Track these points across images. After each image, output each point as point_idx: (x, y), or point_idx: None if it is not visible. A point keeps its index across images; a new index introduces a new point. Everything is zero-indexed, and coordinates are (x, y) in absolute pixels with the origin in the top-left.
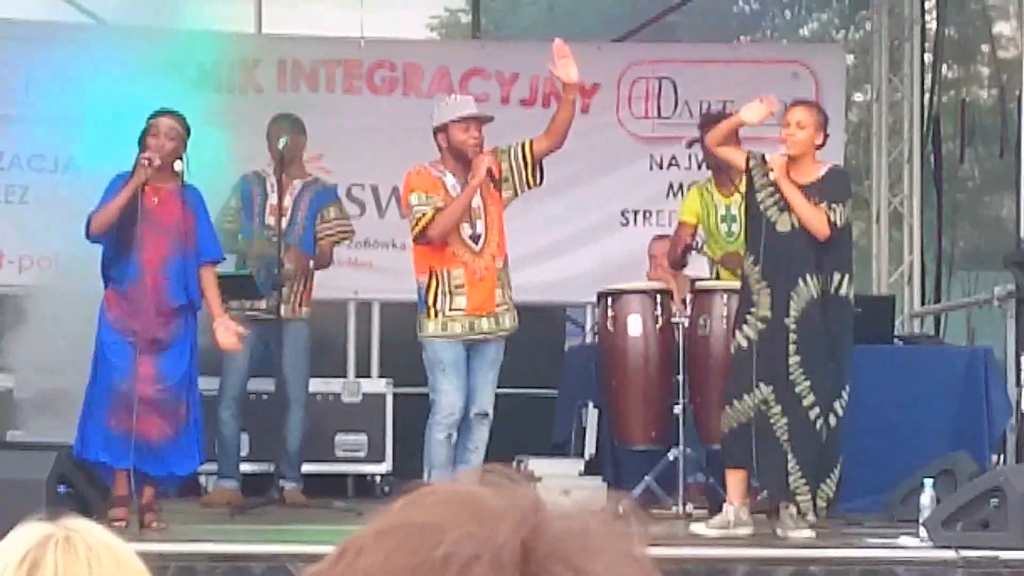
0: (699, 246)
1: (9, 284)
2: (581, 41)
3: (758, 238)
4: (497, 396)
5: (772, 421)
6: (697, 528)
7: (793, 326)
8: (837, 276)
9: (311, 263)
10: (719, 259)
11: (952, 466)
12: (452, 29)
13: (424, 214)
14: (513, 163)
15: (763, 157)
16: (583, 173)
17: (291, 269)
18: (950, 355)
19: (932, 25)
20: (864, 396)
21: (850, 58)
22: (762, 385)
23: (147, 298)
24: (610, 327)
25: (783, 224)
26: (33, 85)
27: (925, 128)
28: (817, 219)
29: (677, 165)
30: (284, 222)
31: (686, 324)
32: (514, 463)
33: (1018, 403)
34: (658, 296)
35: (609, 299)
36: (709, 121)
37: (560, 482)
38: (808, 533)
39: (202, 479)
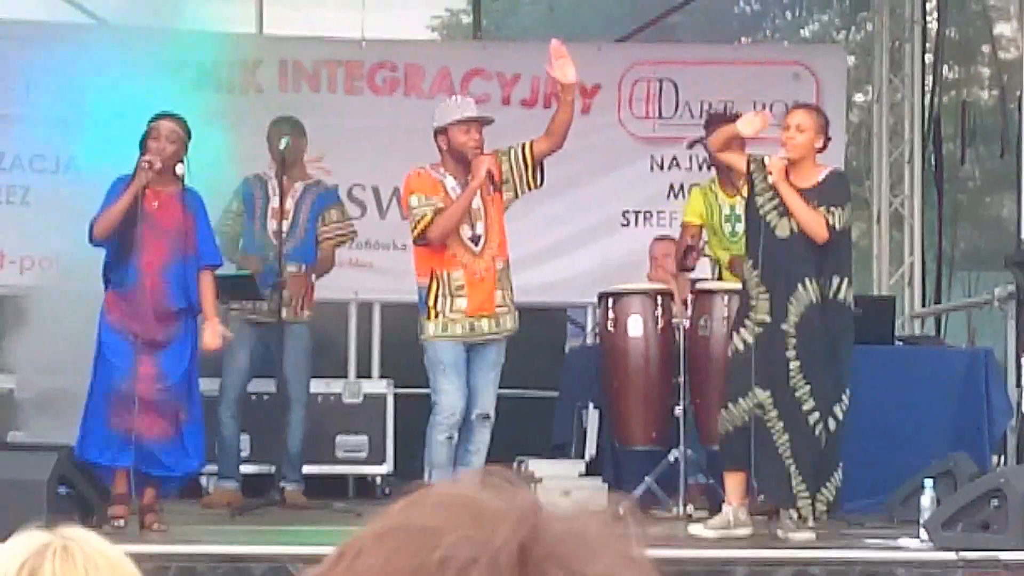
0: (700, 247)
1: (10, 285)
2: (582, 42)
3: (757, 243)
4: (498, 397)
5: (769, 425)
6: (696, 529)
7: (792, 331)
8: (836, 280)
9: (312, 277)
10: (728, 263)
11: (952, 467)
12: (453, 30)
13: (424, 216)
14: (513, 165)
15: (763, 161)
16: (584, 174)
17: (290, 295)
18: (950, 356)
19: (933, 26)
20: (864, 397)
21: (851, 59)
22: (758, 389)
23: (146, 301)
24: (611, 328)
25: (782, 229)
26: (34, 85)
27: (926, 129)
28: (816, 223)
29: (678, 166)
30: (286, 225)
31: (687, 325)
32: (515, 464)
33: (1018, 404)
34: (659, 297)
35: (610, 300)
36: (714, 120)
37: (561, 483)
38: (808, 534)
39: (203, 480)
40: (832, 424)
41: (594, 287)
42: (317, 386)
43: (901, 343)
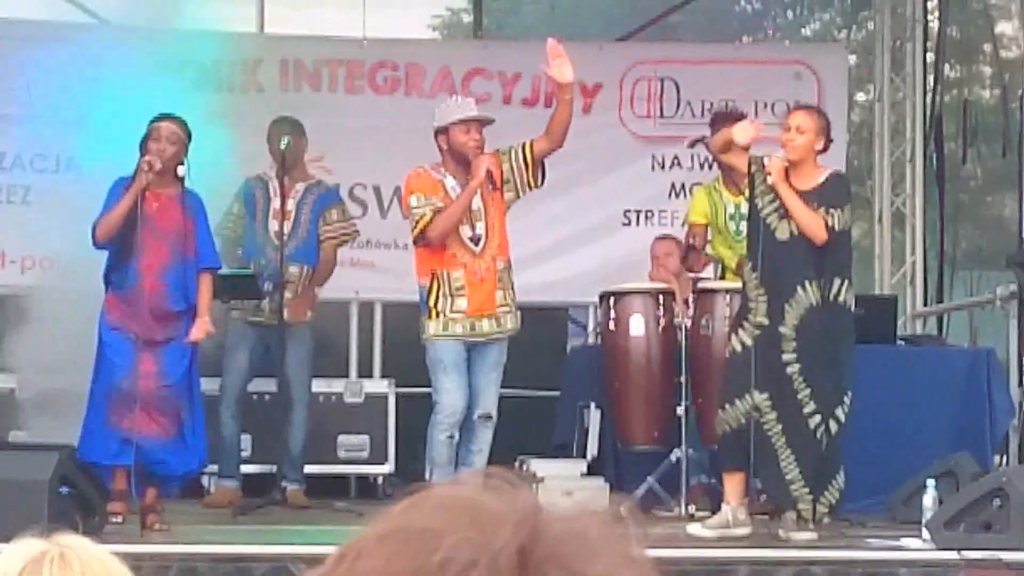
0: (701, 247)
1: (11, 284)
2: (583, 41)
3: (757, 245)
4: (499, 397)
5: (767, 428)
6: (695, 529)
7: (791, 334)
8: (837, 282)
9: (315, 290)
10: (737, 265)
11: (954, 467)
12: (454, 29)
13: (423, 215)
14: (514, 164)
15: (763, 162)
16: (585, 173)
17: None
18: (952, 356)
19: (934, 25)
20: (866, 397)
21: (852, 58)
22: (755, 392)
23: (145, 303)
24: (612, 327)
25: (782, 232)
26: (35, 85)
27: (927, 128)
28: (815, 224)
29: (679, 165)
30: (287, 226)
31: (688, 325)
32: (516, 464)
33: (1020, 404)
34: (660, 296)
35: (611, 299)
36: (719, 119)
37: (562, 483)
38: (810, 534)
39: (205, 480)
40: (834, 427)
41: (595, 287)
42: (318, 386)
43: (903, 343)
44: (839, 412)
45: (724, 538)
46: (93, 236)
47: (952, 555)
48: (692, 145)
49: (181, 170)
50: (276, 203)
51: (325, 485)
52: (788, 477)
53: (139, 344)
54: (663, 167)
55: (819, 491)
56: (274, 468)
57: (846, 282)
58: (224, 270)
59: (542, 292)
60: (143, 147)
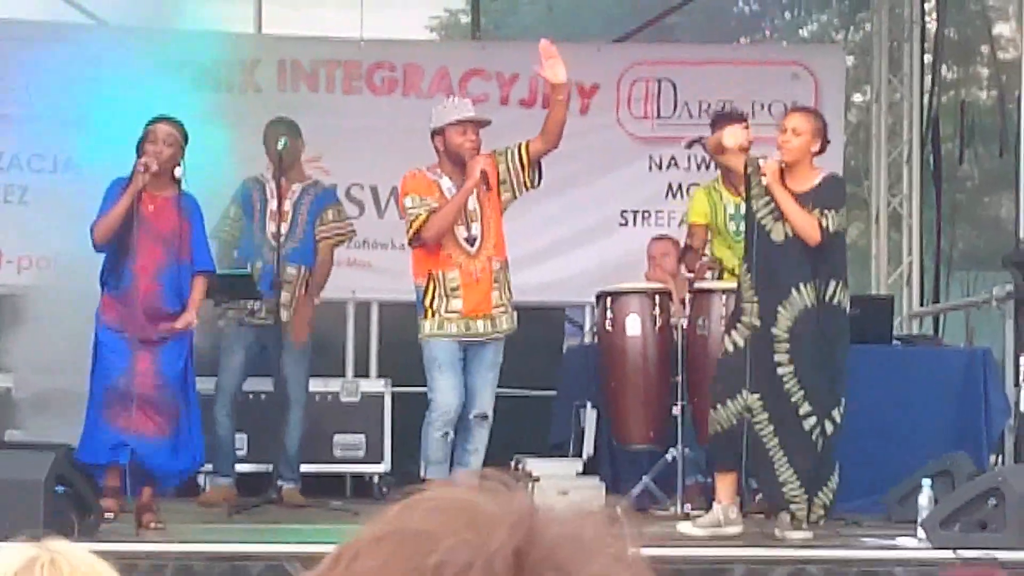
0: (701, 248)
1: (8, 284)
2: (580, 42)
3: (752, 247)
4: (496, 396)
5: (758, 428)
6: (685, 527)
7: (785, 335)
8: (832, 284)
9: (315, 300)
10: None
11: (950, 466)
12: (452, 30)
13: (418, 216)
14: (510, 165)
15: (759, 163)
16: (582, 173)
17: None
18: (949, 356)
19: (932, 26)
20: (862, 397)
21: (850, 59)
22: (746, 392)
23: (140, 304)
24: (609, 327)
25: (777, 233)
26: (33, 85)
27: (924, 129)
28: (809, 225)
29: (676, 166)
30: (284, 227)
31: (685, 324)
32: (512, 463)
33: (1016, 404)
34: (657, 297)
35: (608, 299)
36: (720, 119)
37: (558, 482)
38: (806, 534)
39: (200, 479)
40: (829, 428)
41: (592, 287)
42: (315, 385)
43: (899, 343)
44: (835, 413)
45: (715, 537)
46: (92, 238)
47: (948, 554)
48: (690, 146)
49: (178, 172)
50: (273, 204)
51: (321, 484)
52: (782, 478)
53: (135, 344)
54: (660, 168)
55: (814, 492)
56: (270, 467)
57: (841, 284)
58: (221, 270)
59: (539, 292)
60: (139, 149)
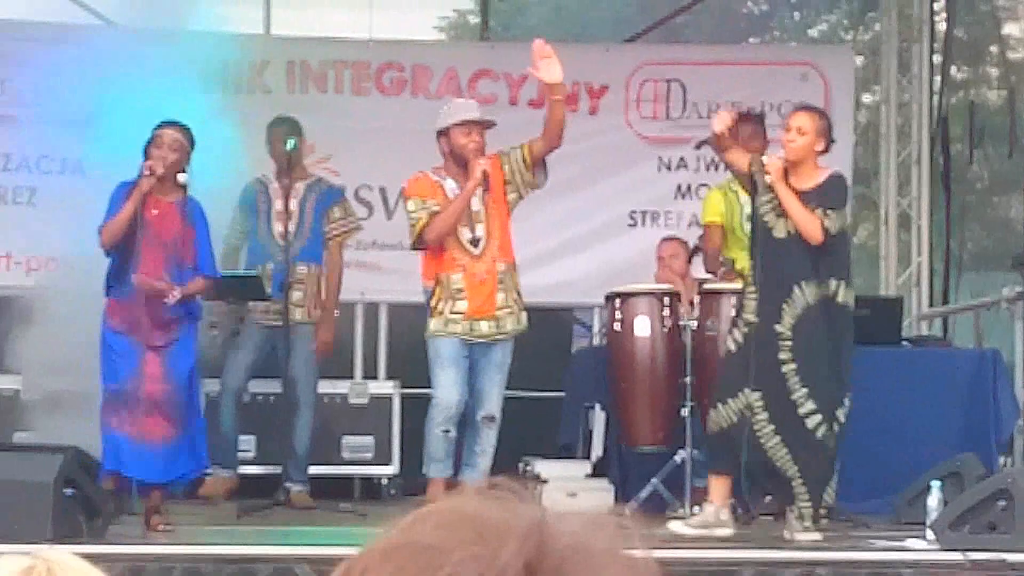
0: (718, 250)
1: (16, 285)
2: (589, 42)
3: (756, 243)
4: (504, 398)
5: (757, 428)
6: (676, 526)
7: (787, 333)
8: (834, 283)
9: (335, 312)
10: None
11: (959, 468)
12: (461, 30)
13: (419, 219)
14: (514, 166)
15: (763, 161)
16: (591, 174)
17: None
18: (958, 357)
19: (941, 26)
20: (871, 398)
21: (859, 59)
22: (748, 390)
23: (143, 308)
24: (617, 328)
25: (779, 230)
26: (41, 86)
27: (934, 129)
28: (811, 224)
29: (685, 166)
30: (292, 226)
31: (694, 326)
32: (520, 465)
33: None
34: (666, 298)
35: (617, 300)
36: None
37: (567, 484)
38: (815, 535)
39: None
40: (834, 427)
41: (601, 288)
42: (323, 387)
43: (908, 344)
44: (839, 413)
45: (705, 538)
46: (101, 241)
47: (957, 556)
48: (699, 146)
49: (182, 177)
50: (278, 205)
51: (329, 486)
52: (788, 475)
53: (142, 347)
54: (669, 168)
55: (818, 491)
56: (278, 469)
57: (844, 283)
58: (228, 272)
59: (548, 293)
60: (146, 153)
